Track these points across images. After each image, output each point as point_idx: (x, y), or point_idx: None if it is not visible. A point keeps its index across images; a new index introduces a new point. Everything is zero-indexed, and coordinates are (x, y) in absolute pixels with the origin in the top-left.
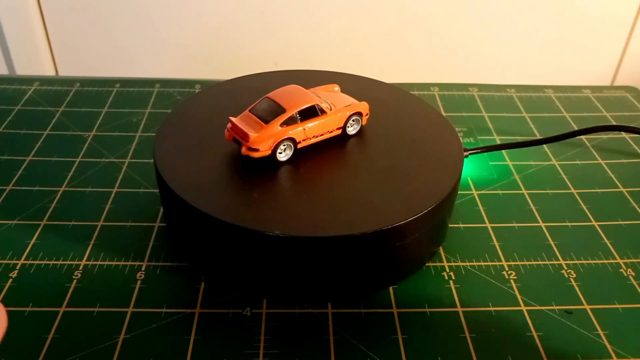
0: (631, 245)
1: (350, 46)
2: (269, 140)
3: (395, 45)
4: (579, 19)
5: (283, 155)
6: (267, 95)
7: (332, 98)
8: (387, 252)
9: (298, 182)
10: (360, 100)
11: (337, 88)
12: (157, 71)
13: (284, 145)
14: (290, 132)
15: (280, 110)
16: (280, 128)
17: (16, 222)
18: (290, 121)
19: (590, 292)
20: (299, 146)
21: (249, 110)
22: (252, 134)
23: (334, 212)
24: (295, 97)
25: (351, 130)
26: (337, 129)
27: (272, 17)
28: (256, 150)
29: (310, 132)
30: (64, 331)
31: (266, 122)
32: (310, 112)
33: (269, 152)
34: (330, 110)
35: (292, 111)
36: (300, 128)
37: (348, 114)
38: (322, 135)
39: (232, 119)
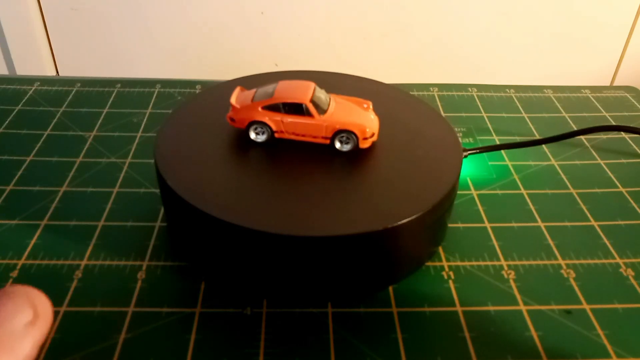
0: (630, 245)
1: (350, 46)
2: (246, 115)
3: (395, 45)
4: (579, 19)
5: (255, 136)
6: (281, 80)
7: (341, 109)
8: (386, 252)
9: (298, 182)
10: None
11: (369, 106)
12: (158, 71)
13: (260, 127)
14: (268, 118)
15: (270, 95)
16: (260, 110)
17: (17, 222)
18: (273, 108)
19: (589, 292)
20: (276, 135)
21: (257, 88)
22: (235, 106)
23: (334, 212)
24: (292, 90)
25: (338, 145)
26: (323, 138)
27: (272, 17)
28: (233, 120)
29: (289, 127)
30: (64, 331)
31: (253, 100)
32: (296, 109)
33: (244, 127)
34: (319, 117)
35: (278, 100)
36: (279, 119)
37: (336, 127)
38: (304, 136)
39: (238, 88)
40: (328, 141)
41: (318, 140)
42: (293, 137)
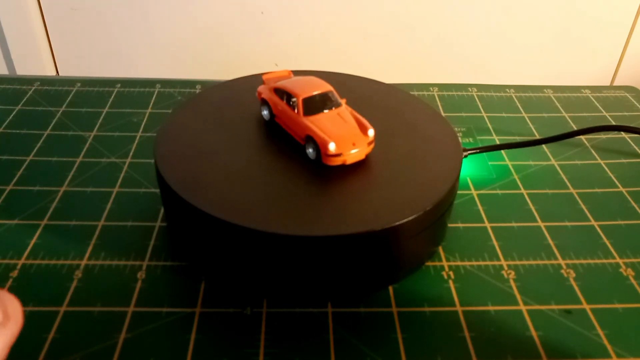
0: (630, 245)
1: (350, 46)
2: (262, 92)
3: (395, 45)
4: (579, 19)
5: (262, 111)
6: (311, 75)
7: (332, 120)
8: (386, 252)
9: (298, 182)
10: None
11: (367, 132)
12: (158, 71)
13: (266, 106)
14: (272, 99)
15: (282, 81)
16: (272, 91)
17: (17, 222)
18: (278, 93)
19: (589, 292)
20: (276, 119)
21: (296, 75)
22: (264, 81)
23: (334, 212)
24: (300, 84)
25: (307, 149)
26: (300, 138)
27: (272, 17)
28: (258, 93)
29: (281, 114)
30: (64, 331)
31: (276, 82)
32: (290, 101)
33: (260, 100)
34: (301, 116)
35: (283, 87)
36: (277, 104)
37: (306, 132)
38: (290, 129)
39: (287, 70)
40: (303, 142)
41: (298, 139)
42: (285, 127)
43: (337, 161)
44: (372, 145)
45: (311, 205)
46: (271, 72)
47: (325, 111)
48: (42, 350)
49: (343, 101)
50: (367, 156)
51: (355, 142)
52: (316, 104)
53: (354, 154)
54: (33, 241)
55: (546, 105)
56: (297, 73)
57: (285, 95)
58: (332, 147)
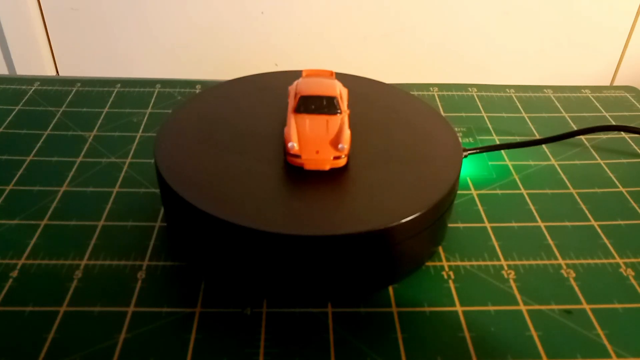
0: (631, 245)
1: (350, 46)
2: (292, 83)
3: (395, 45)
4: (579, 20)
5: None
6: (337, 79)
7: (314, 123)
8: (386, 252)
9: (298, 182)
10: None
11: (340, 146)
12: (158, 71)
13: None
14: (291, 93)
15: (306, 78)
16: (295, 86)
17: (17, 222)
18: (295, 86)
19: (589, 292)
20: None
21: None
22: (303, 74)
23: (334, 212)
24: (309, 83)
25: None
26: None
27: (272, 17)
28: None
29: (288, 106)
30: (64, 331)
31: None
32: (295, 96)
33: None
34: (291, 112)
35: (299, 83)
36: (291, 97)
37: (285, 129)
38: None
39: (331, 72)
40: None
41: None
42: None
43: (295, 162)
44: (341, 160)
45: (312, 205)
46: (313, 70)
47: (316, 114)
48: (42, 350)
49: (346, 111)
50: (367, 156)
51: (319, 151)
52: (310, 105)
53: (313, 161)
54: (33, 241)
55: (546, 105)
56: (298, 74)
57: (296, 90)
58: (290, 146)
